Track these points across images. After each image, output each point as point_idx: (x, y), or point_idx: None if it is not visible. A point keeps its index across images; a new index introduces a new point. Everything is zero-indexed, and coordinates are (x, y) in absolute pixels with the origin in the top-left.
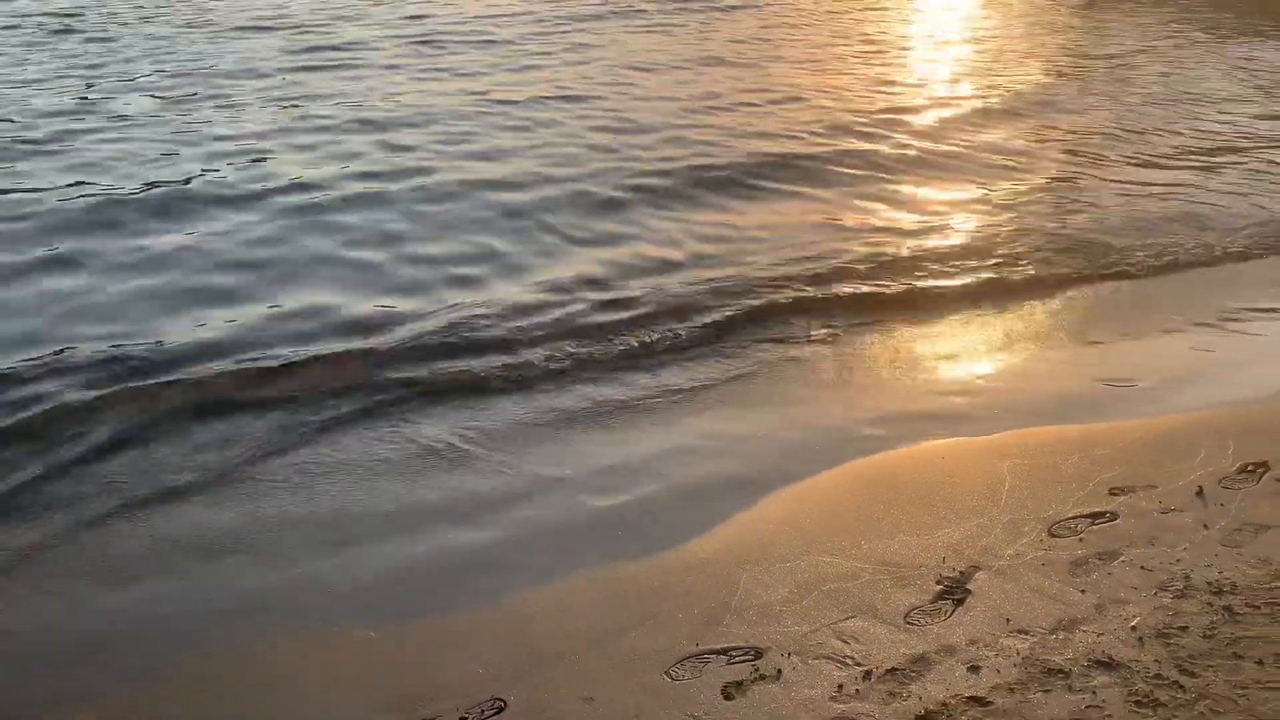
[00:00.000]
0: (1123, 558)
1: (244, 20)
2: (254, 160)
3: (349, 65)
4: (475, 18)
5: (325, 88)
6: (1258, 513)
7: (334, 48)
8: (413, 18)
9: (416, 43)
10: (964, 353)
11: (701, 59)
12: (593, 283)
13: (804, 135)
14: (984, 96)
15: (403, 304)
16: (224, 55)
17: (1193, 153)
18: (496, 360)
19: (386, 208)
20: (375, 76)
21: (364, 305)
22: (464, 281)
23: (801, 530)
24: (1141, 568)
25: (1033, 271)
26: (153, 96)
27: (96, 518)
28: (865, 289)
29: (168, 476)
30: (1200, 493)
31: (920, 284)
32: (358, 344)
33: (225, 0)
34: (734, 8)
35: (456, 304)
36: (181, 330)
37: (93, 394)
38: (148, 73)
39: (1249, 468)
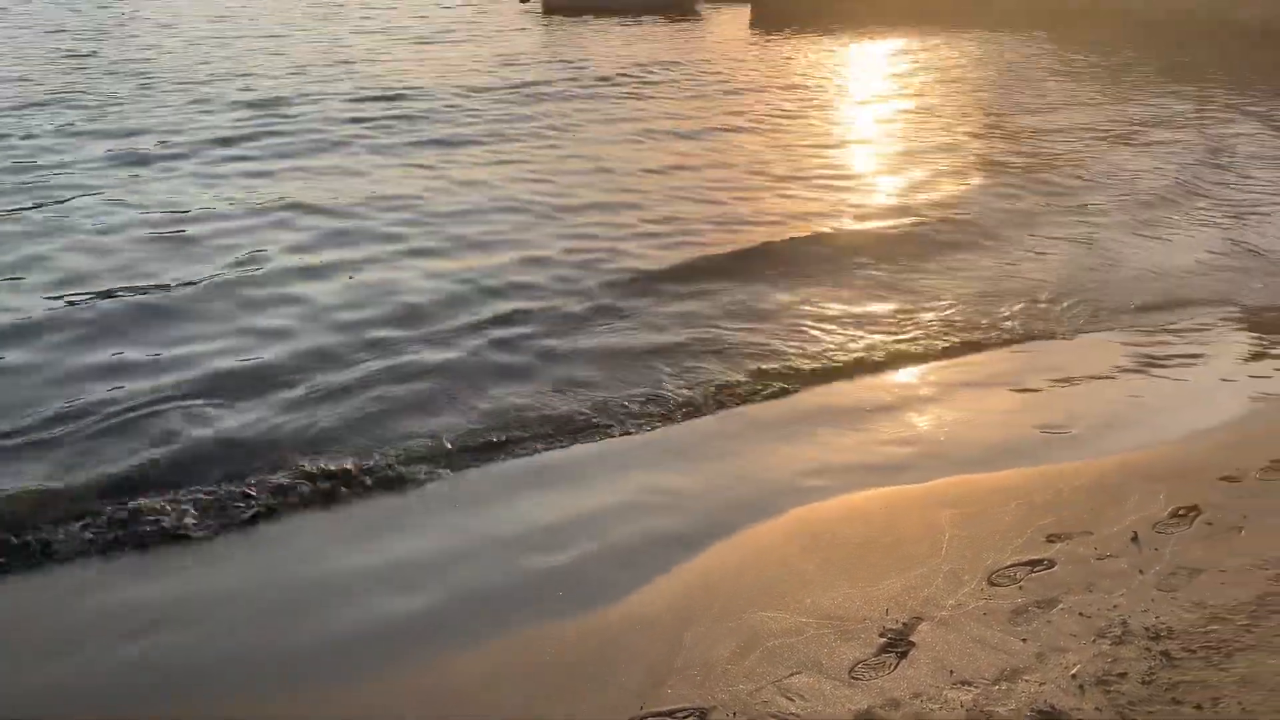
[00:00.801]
0: (1062, 605)
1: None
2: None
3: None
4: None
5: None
6: (1190, 556)
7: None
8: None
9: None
10: (903, 403)
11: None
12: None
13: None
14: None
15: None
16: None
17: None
18: (435, 425)
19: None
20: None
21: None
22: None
23: (744, 585)
24: (1080, 614)
25: (968, 328)
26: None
27: None
28: (806, 352)
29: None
30: (1135, 538)
31: (858, 343)
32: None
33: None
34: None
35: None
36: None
37: None
38: None
39: (1180, 511)
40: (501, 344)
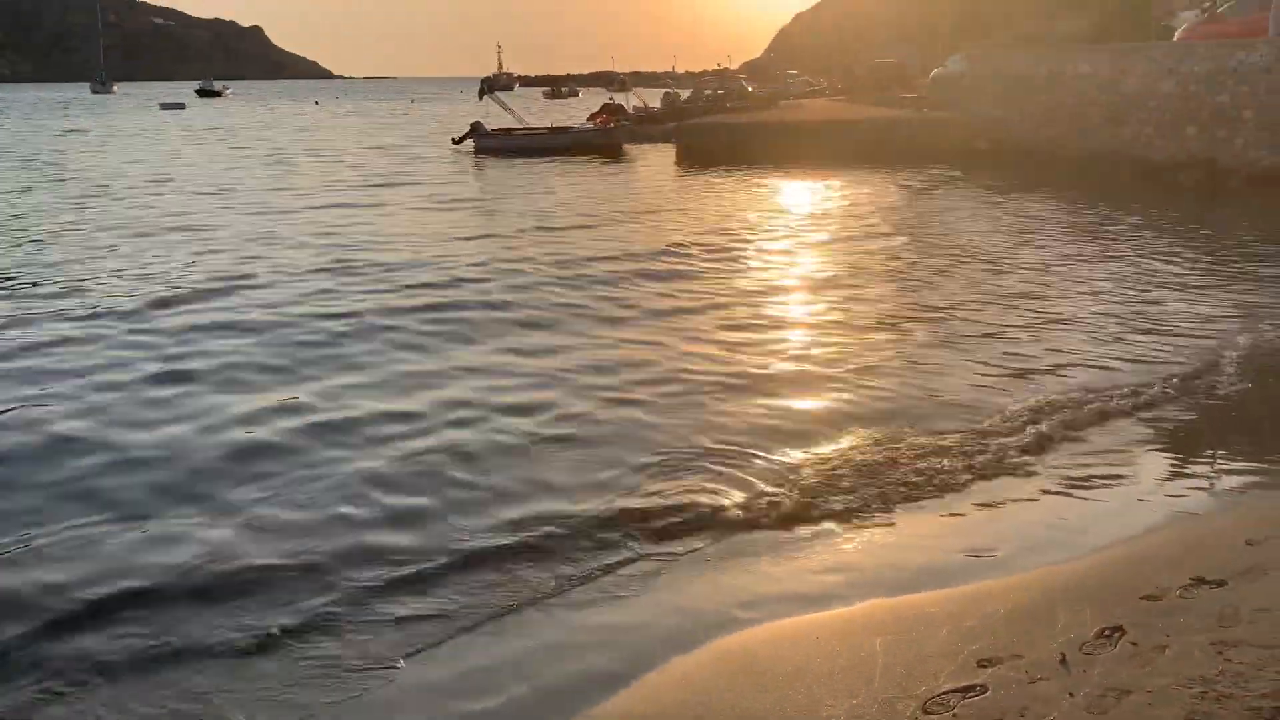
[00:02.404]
0: None
1: None
2: None
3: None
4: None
5: None
6: (1119, 678)
7: None
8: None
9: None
10: (831, 531)
11: None
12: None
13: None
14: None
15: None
16: None
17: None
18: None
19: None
20: None
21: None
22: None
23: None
24: None
25: (895, 456)
26: None
27: None
28: (734, 483)
29: None
30: (1063, 660)
31: (786, 474)
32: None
33: None
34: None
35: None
36: None
37: None
38: None
39: (1105, 632)
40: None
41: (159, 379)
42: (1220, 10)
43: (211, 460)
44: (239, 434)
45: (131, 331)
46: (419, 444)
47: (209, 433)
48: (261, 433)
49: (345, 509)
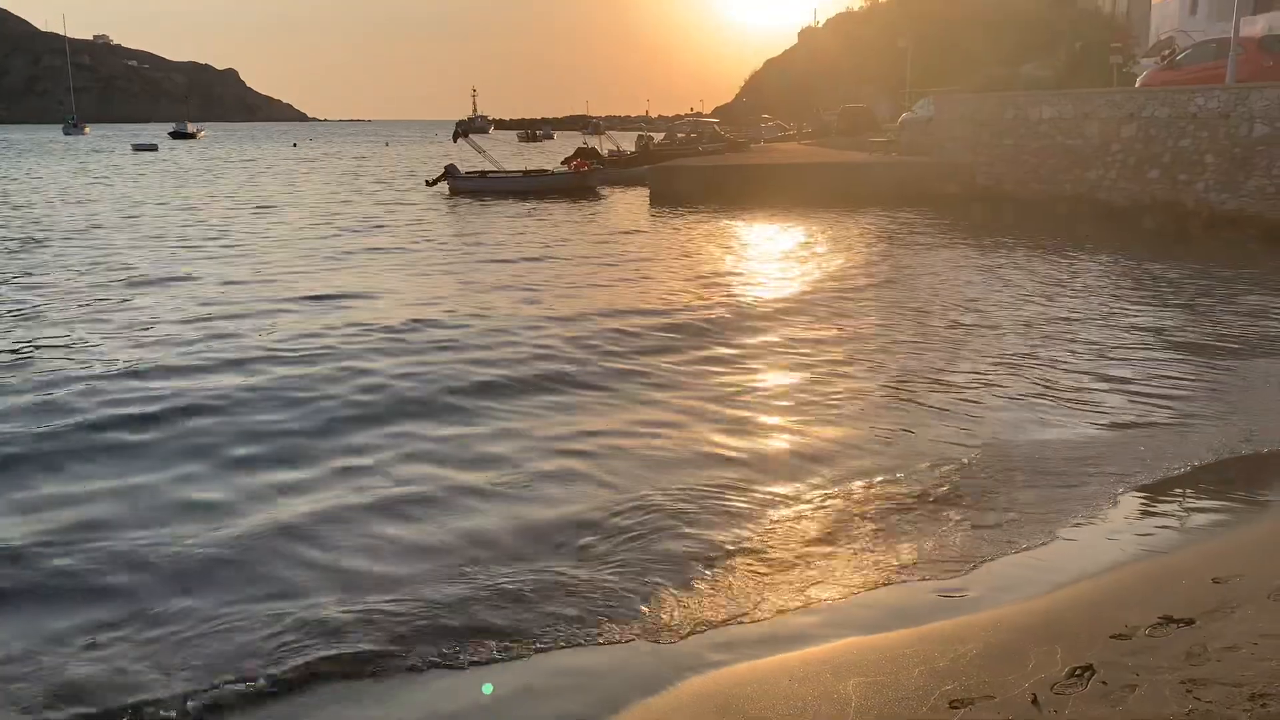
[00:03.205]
0: None
1: None
2: None
3: None
4: None
5: None
6: (1090, 718)
7: None
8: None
9: None
10: (803, 571)
11: None
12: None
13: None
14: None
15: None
16: None
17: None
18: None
19: None
20: None
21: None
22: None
23: None
24: None
25: (870, 493)
26: None
27: None
28: (710, 517)
29: None
30: (1035, 700)
31: (761, 510)
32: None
33: None
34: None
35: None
36: None
37: None
38: None
39: (1076, 671)
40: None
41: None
42: (1179, 58)
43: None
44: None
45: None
46: (380, 488)
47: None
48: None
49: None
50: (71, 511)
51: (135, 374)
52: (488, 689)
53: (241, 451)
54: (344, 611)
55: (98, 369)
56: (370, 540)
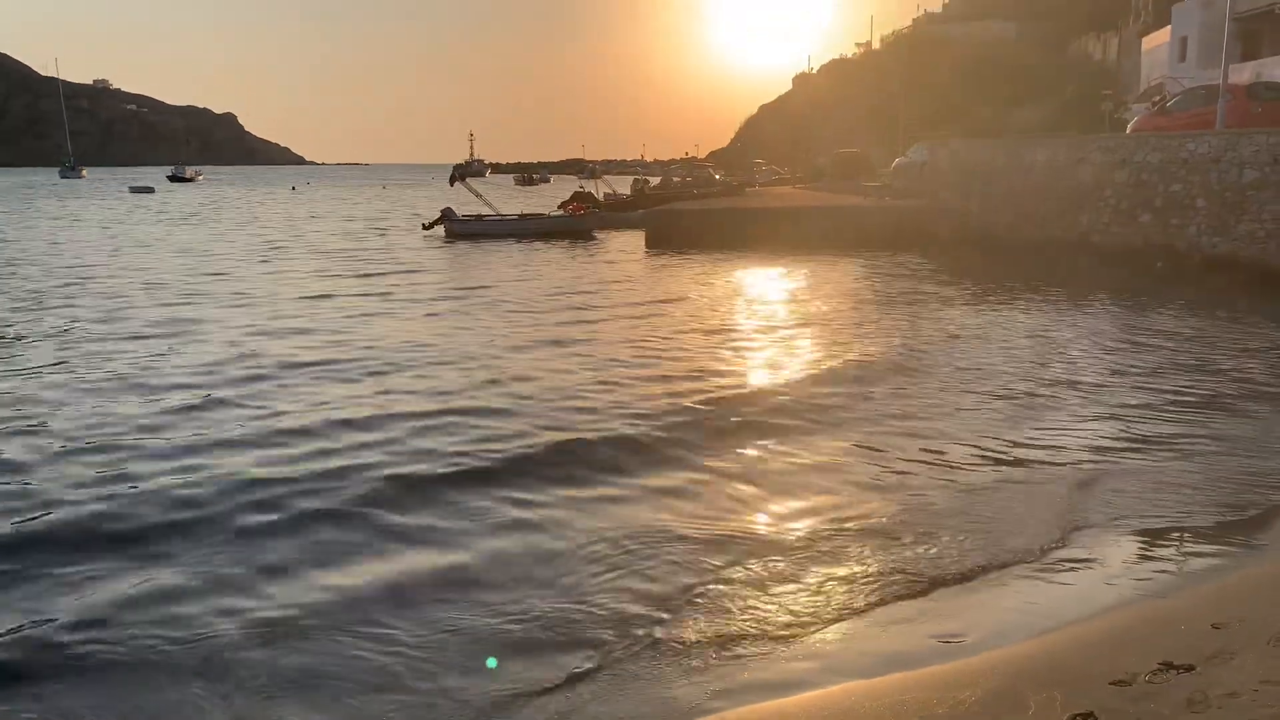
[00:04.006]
0: None
1: None
2: None
3: None
4: None
5: None
6: None
7: None
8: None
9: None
10: (802, 617)
11: None
12: None
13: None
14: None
15: None
16: None
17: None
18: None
19: None
20: None
21: None
22: None
23: None
24: None
25: (862, 541)
26: None
27: None
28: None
29: None
30: None
31: (758, 560)
32: None
33: None
34: None
35: None
36: None
37: None
38: None
39: (1077, 718)
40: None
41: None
42: (1169, 104)
43: None
44: None
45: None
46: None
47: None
48: None
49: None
50: None
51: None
52: None
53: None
54: None
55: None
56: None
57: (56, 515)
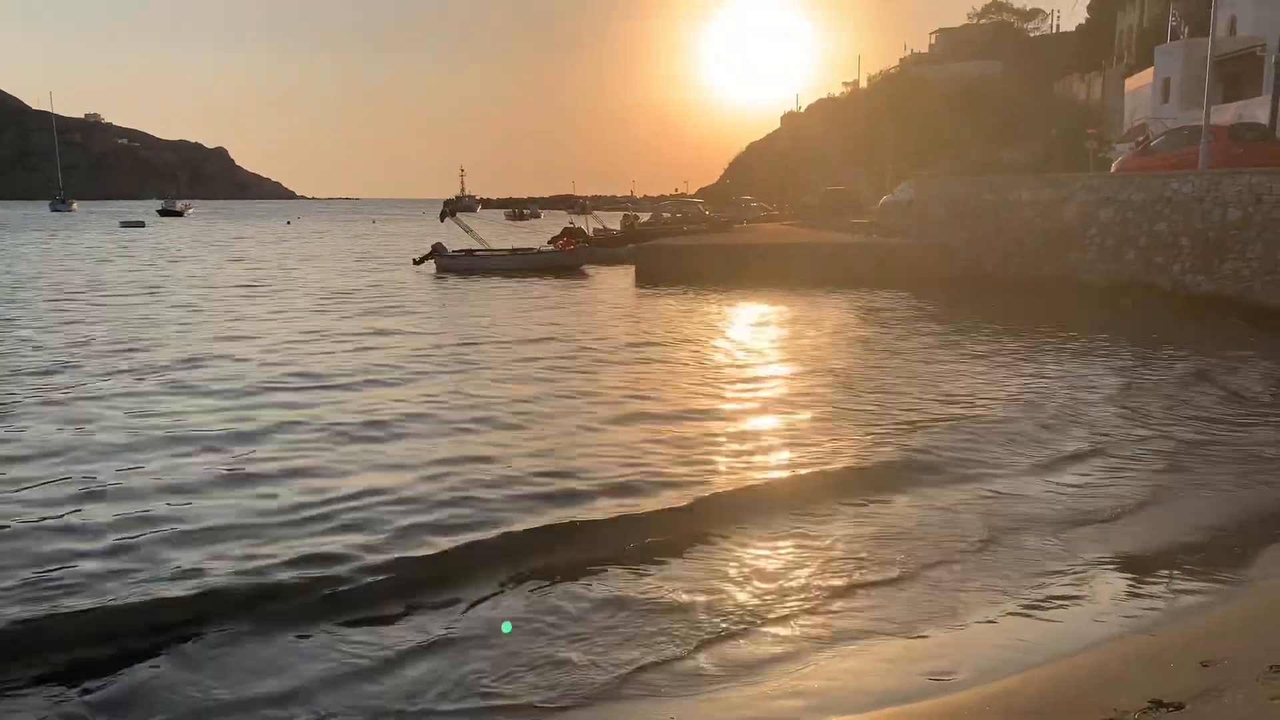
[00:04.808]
0: None
1: None
2: None
3: None
4: None
5: None
6: None
7: None
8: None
9: None
10: (792, 656)
11: None
12: None
13: None
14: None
15: None
16: None
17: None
18: None
19: None
20: None
21: None
22: None
23: None
24: None
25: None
26: None
27: None
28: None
29: None
30: None
31: (750, 592)
32: None
33: None
34: None
35: None
36: None
37: None
38: None
39: None
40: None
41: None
42: (1153, 144)
43: None
44: None
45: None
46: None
47: None
48: None
49: None
50: None
51: None
52: None
53: None
54: None
55: None
56: None
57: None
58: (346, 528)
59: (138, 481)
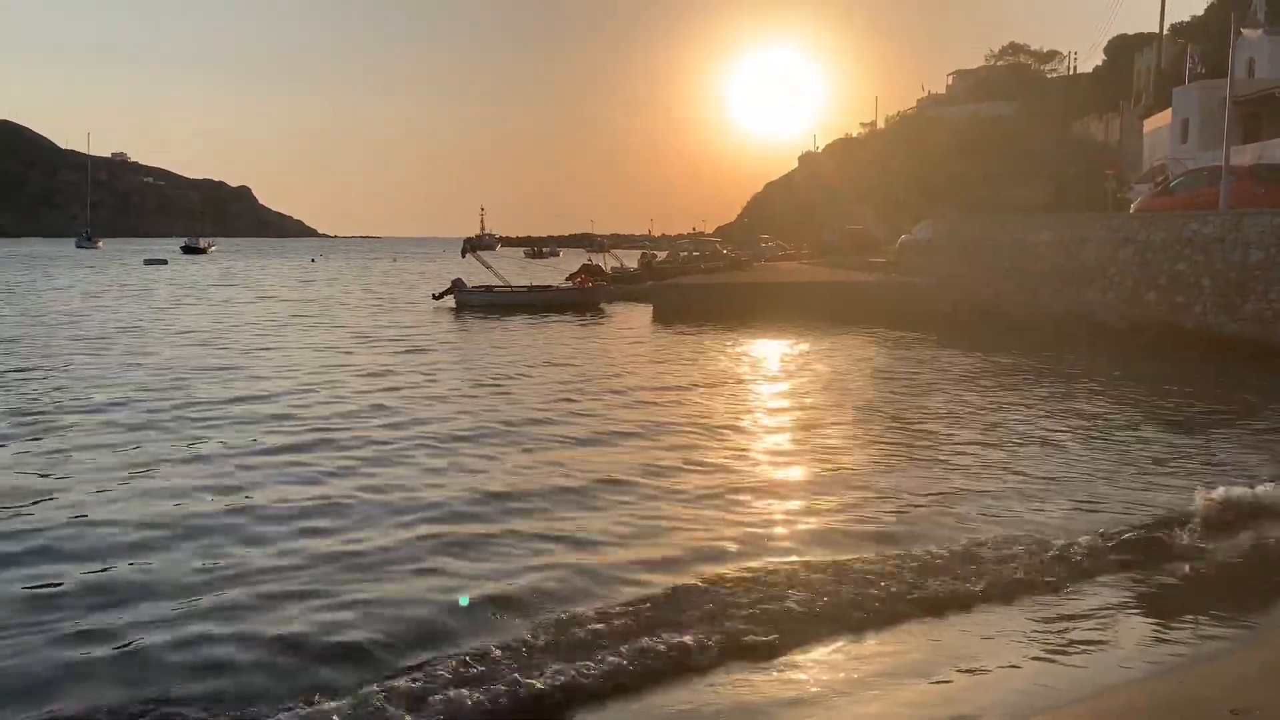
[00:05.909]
0: None
1: None
2: None
3: None
4: None
5: None
6: None
7: None
8: None
9: None
10: (815, 700)
11: None
12: None
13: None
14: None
15: None
16: None
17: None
18: None
19: None
20: None
21: None
22: None
23: None
24: None
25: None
26: None
27: None
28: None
29: None
30: None
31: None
32: None
33: None
34: None
35: None
36: None
37: None
38: None
39: None
40: None
41: None
42: (1173, 184)
43: None
44: None
45: None
46: None
47: None
48: None
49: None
50: None
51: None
52: None
53: None
54: None
55: None
56: None
57: None
58: None
59: None
